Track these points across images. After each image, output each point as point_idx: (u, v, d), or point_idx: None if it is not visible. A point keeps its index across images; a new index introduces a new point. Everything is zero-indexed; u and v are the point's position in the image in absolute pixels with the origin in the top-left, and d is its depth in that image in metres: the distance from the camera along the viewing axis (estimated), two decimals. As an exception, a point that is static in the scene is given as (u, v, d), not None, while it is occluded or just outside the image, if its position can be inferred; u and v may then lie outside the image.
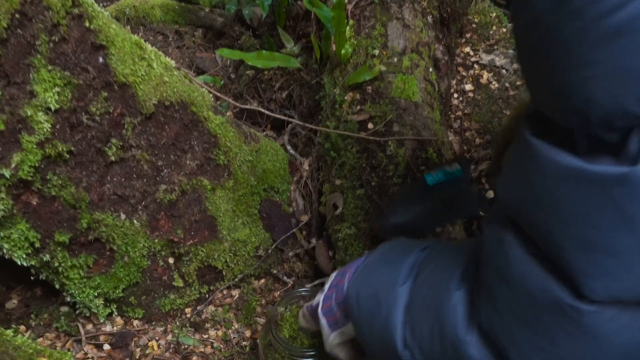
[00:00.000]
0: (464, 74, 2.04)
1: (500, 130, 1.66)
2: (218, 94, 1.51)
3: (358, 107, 1.56)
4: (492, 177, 1.01)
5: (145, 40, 2.28)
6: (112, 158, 1.24)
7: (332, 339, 1.00)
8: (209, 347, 1.43)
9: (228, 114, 1.91)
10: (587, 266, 0.57)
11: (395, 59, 1.61)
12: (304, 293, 1.31)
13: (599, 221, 0.56)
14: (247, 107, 1.51)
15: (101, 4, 2.23)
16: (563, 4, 0.54)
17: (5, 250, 1.20)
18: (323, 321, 1.01)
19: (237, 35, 2.24)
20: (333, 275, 1.07)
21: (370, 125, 1.50)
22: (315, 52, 1.76)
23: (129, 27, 1.26)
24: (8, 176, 1.09)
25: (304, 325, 1.13)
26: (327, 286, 1.05)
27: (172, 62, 1.35)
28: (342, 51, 1.63)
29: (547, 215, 0.60)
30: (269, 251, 1.51)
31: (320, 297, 1.04)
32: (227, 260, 1.48)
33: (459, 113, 1.90)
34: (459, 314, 0.75)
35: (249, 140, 1.50)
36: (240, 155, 1.45)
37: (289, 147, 1.68)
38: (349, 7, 1.73)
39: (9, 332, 0.98)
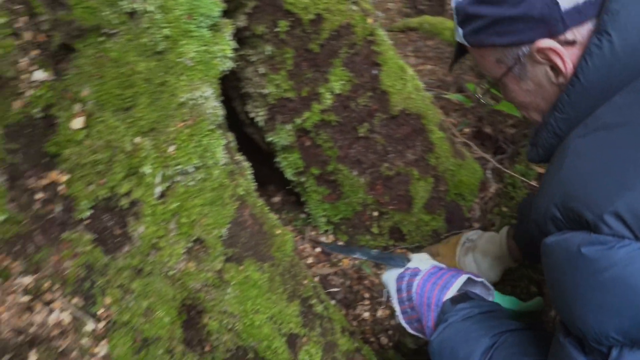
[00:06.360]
0: None
1: None
2: (460, 136, 2.02)
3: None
4: None
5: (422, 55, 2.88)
6: (361, 134, 1.89)
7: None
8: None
9: (466, 130, 2.43)
10: None
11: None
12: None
13: None
14: (474, 147, 2.00)
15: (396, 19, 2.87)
16: (571, 261, 0.85)
17: (282, 165, 1.95)
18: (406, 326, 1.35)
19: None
20: (392, 285, 1.40)
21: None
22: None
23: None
24: (298, 123, 1.81)
25: (412, 335, 1.38)
26: (395, 301, 1.37)
27: (422, 85, 1.93)
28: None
29: None
30: (441, 236, 2.03)
31: (398, 308, 1.36)
32: (411, 229, 2.04)
33: None
34: None
35: (456, 155, 2.02)
36: (446, 164, 1.99)
37: (488, 172, 2.14)
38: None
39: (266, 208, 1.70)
